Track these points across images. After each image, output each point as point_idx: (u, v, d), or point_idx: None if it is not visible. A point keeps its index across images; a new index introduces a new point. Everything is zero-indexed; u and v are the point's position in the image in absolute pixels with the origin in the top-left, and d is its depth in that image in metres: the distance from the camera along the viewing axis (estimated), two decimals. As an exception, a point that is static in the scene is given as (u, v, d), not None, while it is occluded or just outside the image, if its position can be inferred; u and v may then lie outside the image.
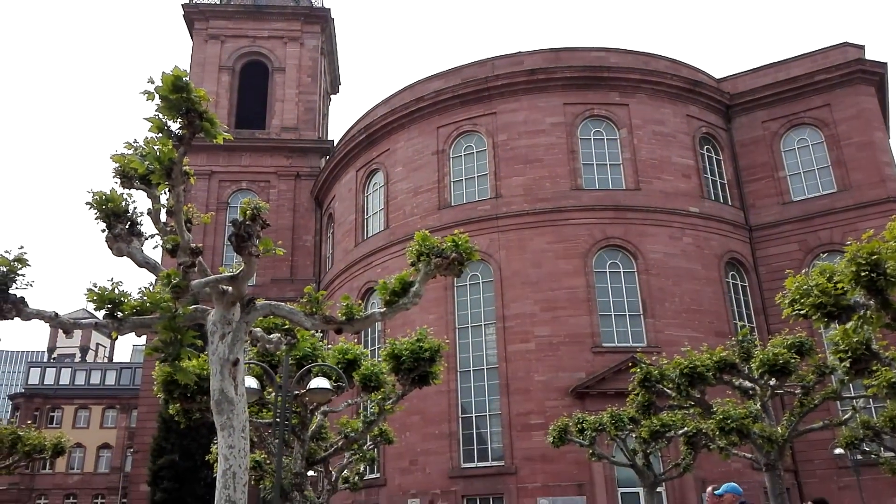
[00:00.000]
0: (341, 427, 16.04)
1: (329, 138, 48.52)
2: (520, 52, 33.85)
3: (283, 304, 7.71)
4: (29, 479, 54.62)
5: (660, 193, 31.02)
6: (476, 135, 33.10)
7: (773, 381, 16.29)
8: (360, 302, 10.86)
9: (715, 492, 8.40)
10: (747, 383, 16.99)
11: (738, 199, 33.34)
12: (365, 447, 19.69)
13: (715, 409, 16.55)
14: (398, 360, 13.84)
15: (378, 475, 29.70)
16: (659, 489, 23.15)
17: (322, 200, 43.53)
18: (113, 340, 71.15)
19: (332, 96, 56.64)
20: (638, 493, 24.48)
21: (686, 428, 18.67)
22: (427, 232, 8.36)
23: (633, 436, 19.90)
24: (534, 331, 28.70)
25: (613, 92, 32.48)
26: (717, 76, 35.41)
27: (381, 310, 8.12)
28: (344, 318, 7.99)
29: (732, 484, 8.31)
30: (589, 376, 27.45)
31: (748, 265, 31.92)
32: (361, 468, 22.68)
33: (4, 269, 6.62)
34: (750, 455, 17.77)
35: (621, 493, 26.21)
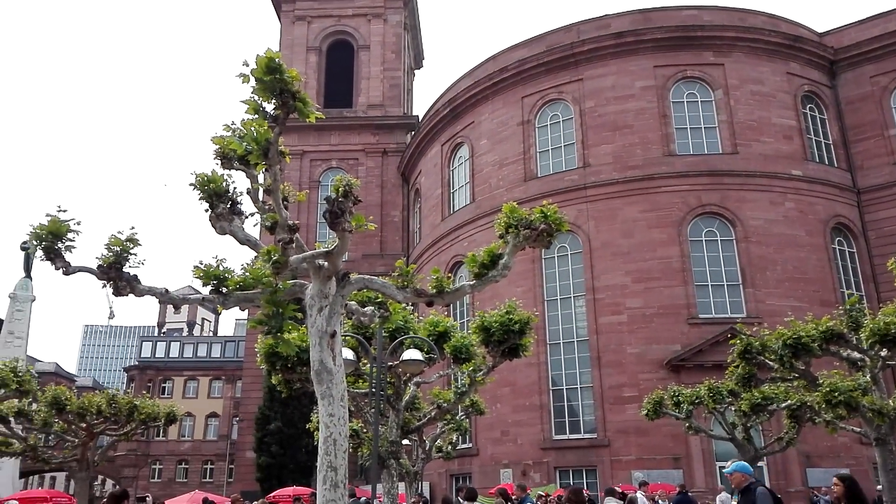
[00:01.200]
0: (434, 397, 16.35)
1: (414, 114, 48.82)
2: (606, 14, 32.81)
3: (375, 277, 7.87)
4: (145, 446, 58.62)
5: (759, 157, 29.57)
6: (562, 103, 32.48)
7: (884, 352, 15.34)
8: (449, 275, 10.97)
9: (724, 470, 8.23)
10: (856, 354, 16.09)
11: (844, 161, 31.35)
12: (457, 417, 20.03)
13: (821, 381, 15.78)
14: (488, 333, 13.91)
15: (470, 445, 30.15)
16: (760, 464, 22.41)
17: (408, 176, 44.00)
18: (217, 315, 74.81)
19: (415, 71, 56.86)
20: (737, 467, 23.80)
21: (789, 401, 17.92)
22: (515, 203, 8.31)
23: (733, 409, 19.30)
24: (625, 302, 28.18)
25: (707, 51, 31.02)
26: (820, 30, 33.22)
27: (471, 282, 8.14)
28: (434, 291, 8.07)
29: (742, 462, 8.02)
30: (684, 348, 26.75)
31: (856, 230, 30.08)
32: (454, 438, 23.10)
33: (118, 249, 7.05)
34: (858, 429, 16.87)
35: (719, 466, 25.56)
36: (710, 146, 30.15)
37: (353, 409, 13.69)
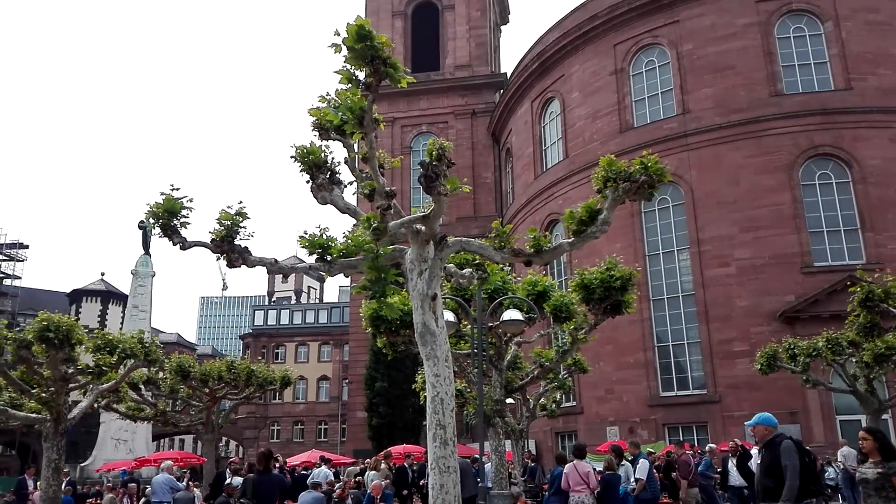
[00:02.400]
0: (535, 357, 16.38)
1: (502, 72, 48.13)
2: (702, -50, 30.90)
3: (472, 239, 7.88)
4: (263, 409, 62.11)
5: (876, 91, 27.31)
6: (657, 48, 31.09)
7: None
8: (546, 234, 10.82)
9: (746, 423, 7.70)
10: None
11: (975, 89, 28.47)
12: (560, 376, 20.00)
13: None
14: (588, 291, 13.71)
15: (575, 403, 30.11)
16: (884, 416, 21.17)
17: (499, 136, 43.61)
18: (322, 282, 77.36)
19: (501, 28, 55.84)
20: (859, 420, 22.58)
21: (917, 350, 16.76)
22: (613, 156, 8.07)
23: (854, 360, 18.27)
24: (733, 253, 27.03)
25: (815, -20, 28.76)
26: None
27: (570, 240, 8.01)
28: (532, 250, 7.99)
29: (766, 414, 7.41)
30: (799, 299, 25.46)
31: None
32: (558, 396, 23.12)
33: (229, 223, 7.38)
34: None
35: (840, 420, 24.37)
36: (821, 83, 28.12)
37: (456, 369, 13.91)
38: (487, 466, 14.62)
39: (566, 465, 11.67)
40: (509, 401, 17.08)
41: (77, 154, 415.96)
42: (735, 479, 14.31)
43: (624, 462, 13.23)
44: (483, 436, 12.09)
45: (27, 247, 60.71)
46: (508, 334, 14.15)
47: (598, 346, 23.00)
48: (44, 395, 14.55)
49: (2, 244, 58.16)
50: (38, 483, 15.70)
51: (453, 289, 12.80)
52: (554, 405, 22.75)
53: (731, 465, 14.56)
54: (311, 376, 63.91)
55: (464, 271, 8.90)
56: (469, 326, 13.64)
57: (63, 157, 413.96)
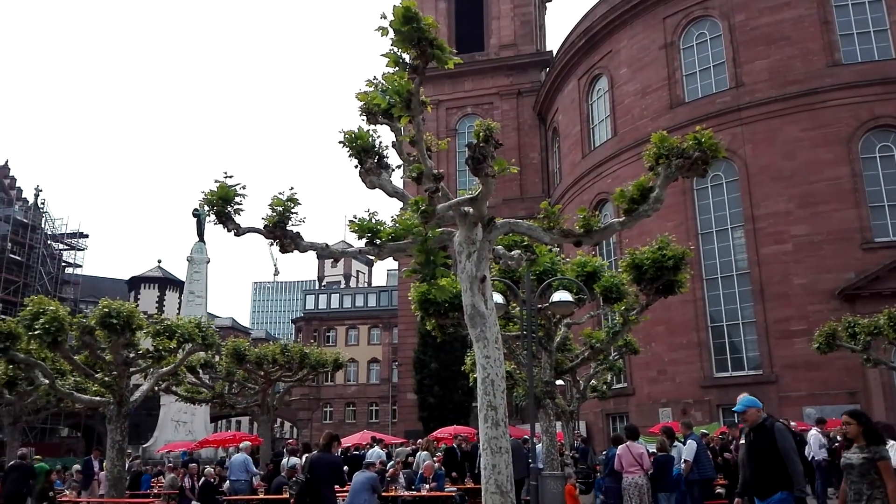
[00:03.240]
0: (585, 338, 16.23)
1: (547, 50, 47.43)
2: (754, -83, 29.77)
3: (521, 221, 7.82)
4: (316, 391, 63.29)
5: (942, 57, 26.01)
6: (708, 20, 30.17)
7: None
8: (596, 213, 10.66)
9: (734, 408, 7.23)
10: None
11: None
12: (610, 357, 19.82)
13: None
14: (640, 270, 13.49)
15: (626, 384, 29.81)
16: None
17: (545, 115, 43.10)
18: (371, 267, 78.25)
19: (546, 4, 54.94)
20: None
21: None
22: (665, 132, 7.88)
23: (918, 338, 17.62)
24: (790, 230, 26.24)
25: (875, -57, 27.43)
26: None
27: (620, 219, 7.88)
28: (582, 230, 7.89)
29: (751, 397, 7.09)
30: (859, 276, 24.59)
31: None
32: (609, 378, 22.97)
33: (280, 209, 7.48)
34: None
35: (903, 400, 23.58)
36: (882, 51, 26.90)
37: (505, 351, 13.91)
38: (538, 447, 14.61)
39: (619, 447, 11.59)
40: (559, 382, 17.01)
41: (134, 145, 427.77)
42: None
43: (676, 443, 13.06)
44: (534, 417, 12.06)
45: (87, 236, 62.94)
46: (558, 316, 14.05)
47: (649, 326, 22.68)
48: (107, 378, 15.11)
49: (63, 234, 60.32)
50: (104, 463, 16.34)
51: (501, 271, 12.76)
52: (605, 387, 22.61)
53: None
54: (362, 359, 64.79)
55: (512, 253, 8.86)
56: (518, 308, 13.60)
57: (120, 149, 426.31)
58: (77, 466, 19.14)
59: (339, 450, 10.87)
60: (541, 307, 13.16)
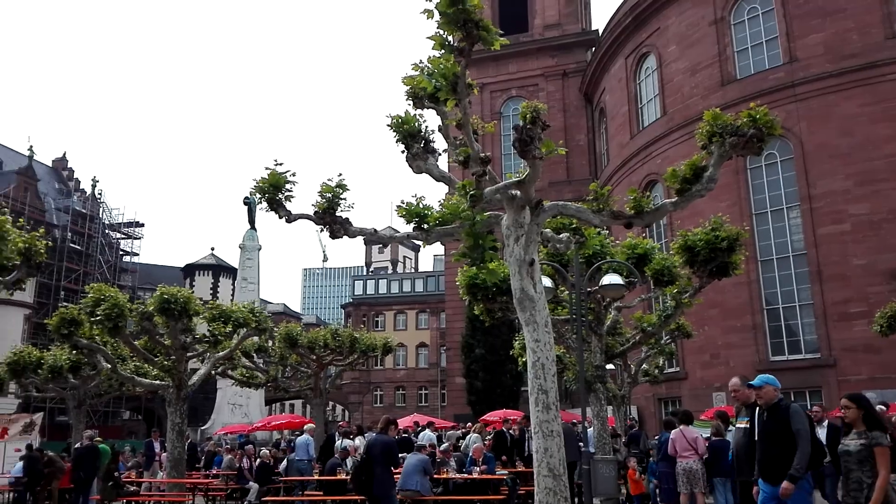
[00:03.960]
0: (636, 322, 16.03)
1: (593, 29, 46.61)
2: None
3: (569, 203, 7.75)
4: (366, 375, 64.13)
5: None
6: (760, -6, 29.18)
7: None
8: (647, 194, 10.46)
9: (751, 382, 6.87)
10: None
11: None
12: (662, 341, 19.53)
13: None
14: (692, 252, 13.23)
15: (678, 369, 29.36)
16: None
17: (591, 96, 42.42)
18: (417, 252, 78.59)
19: (592, -16, 53.98)
20: None
21: None
22: (717, 109, 7.68)
23: None
24: (848, 209, 25.32)
25: None
26: None
27: (673, 200, 7.73)
28: (633, 211, 7.77)
29: (771, 376, 6.75)
30: (922, 255, 23.63)
31: None
32: (660, 362, 22.63)
33: (330, 195, 7.58)
34: None
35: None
36: (946, 21, 25.60)
37: (554, 335, 13.84)
38: (590, 431, 14.53)
39: (673, 431, 11.44)
40: (610, 367, 16.85)
41: (186, 135, 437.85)
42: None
43: (731, 428, 12.79)
44: (584, 401, 11.99)
45: (143, 225, 64.80)
46: (608, 299, 13.91)
47: (702, 309, 22.23)
48: (166, 363, 15.60)
49: (120, 223, 62.23)
50: (165, 444, 16.90)
51: (550, 254, 12.68)
52: (656, 371, 22.31)
53: (820, 432, 11.62)
54: (410, 343, 65.32)
55: (561, 236, 8.79)
56: (567, 292, 13.50)
57: (174, 139, 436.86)
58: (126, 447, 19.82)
59: (396, 433, 10.98)
60: (590, 290, 13.03)
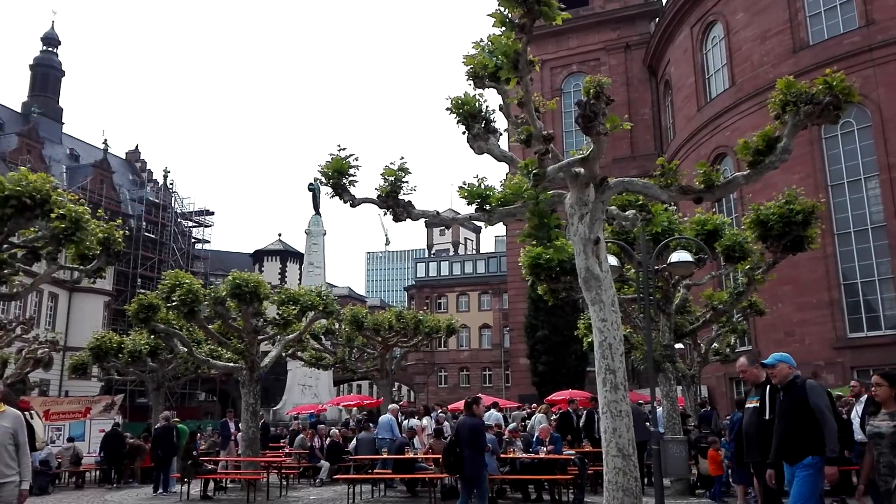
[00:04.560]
0: (706, 300, 15.62)
1: (656, -1, 45.27)
2: None
3: (636, 179, 7.58)
4: (430, 356, 64.79)
5: None
6: (834, -46, 27.69)
7: None
8: (716, 167, 10.09)
9: (764, 361, 6.46)
10: None
11: None
12: (734, 319, 19.01)
13: None
14: (765, 227, 12.77)
15: (750, 347, 28.51)
16: None
17: (656, 68, 41.26)
18: (478, 234, 78.57)
19: (653, -48, 52.28)
20: None
21: None
22: (791, 77, 7.35)
23: None
24: (931, 178, 23.96)
25: None
26: None
27: (745, 173, 7.46)
28: (702, 186, 7.54)
29: (785, 354, 6.32)
30: None
31: None
32: (732, 340, 22.04)
33: (392, 179, 7.63)
34: None
35: None
36: None
37: (621, 314, 13.64)
38: (659, 412, 14.30)
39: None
40: (679, 346, 16.51)
41: (251, 125, 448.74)
42: (859, 431, 10.02)
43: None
44: (653, 381, 11.79)
45: (213, 213, 66.98)
46: (676, 277, 13.60)
47: (775, 286, 21.50)
48: (239, 345, 16.12)
49: (191, 212, 64.38)
50: (239, 424, 17.50)
51: (615, 232, 12.46)
52: (728, 349, 21.74)
53: (855, 413, 10.56)
54: (473, 325, 65.59)
55: (626, 213, 8.62)
56: (633, 270, 13.26)
57: (239, 129, 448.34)
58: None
59: (482, 410, 11.01)
60: (658, 268, 12.76)
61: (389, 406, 18.61)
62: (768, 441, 6.35)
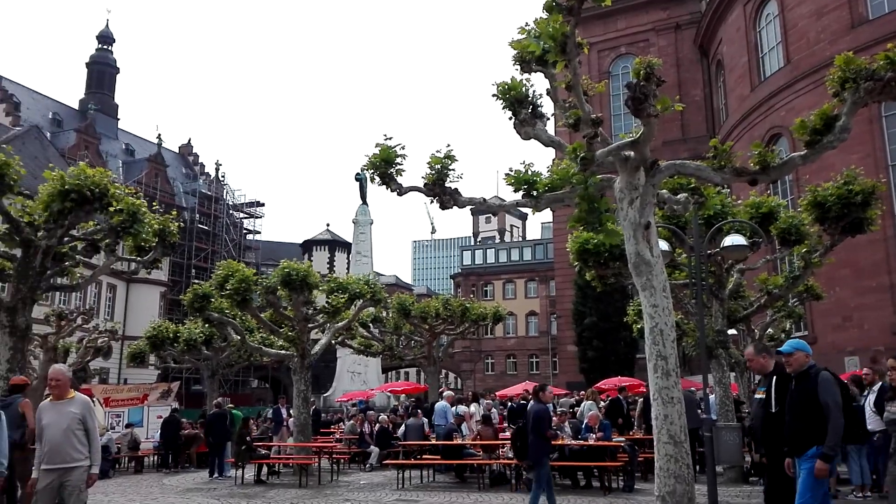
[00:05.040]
0: (761, 284, 15.24)
1: (706, -23, 44.05)
2: None
3: (688, 161, 7.41)
4: (477, 343, 64.86)
5: None
6: (896, -79, 26.45)
7: None
8: (772, 148, 9.78)
9: (780, 349, 6.09)
10: None
11: None
12: (789, 304, 18.51)
13: None
14: (823, 209, 12.36)
15: (806, 333, 27.75)
16: None
17: (707, 48, 40.22)
18: (524, 221, 78.27)
19: (702, -71, 50.83)
20: None
21: None
22: (850, 53, 7.07)
23: None
24: None
25: None
26: None
27: (802, 153, 7.22)
28: (757, 167, 7.32)
29: (801, 342, 6.04)
30: None
31: None
32: (787, 326, 21.48)
33: (439, 167, 7.63)
34: None
35: None
36: None
37: (672, 300, 13.40)
38: (711, 398, 14.04)
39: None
40: (732, 332, 16.16)
41: (298, 118, 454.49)
42: (871, 420, 9.62)
43: (866, 393, 11.97)
44: (706, 368, 11.56)
45: (263, 204, 68.14)
46: (730, 262, 13.29)
47: (832, 269, 20.83)
48: (290, 333, 16.41)
49: (242, 203, 65.65)
50: (291, 411, 17.84)
51: (666, 216, 12.23)
52: (783, 335, 21.18)
53: (868, 403, 10.01)
54: (520, 312, 65.36)
55: (678, 196, 8.45)
56: (685, 255, 13.00)
57: (287, 121, 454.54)
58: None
59: (550, 397, 11.01)
60: (710, 253, 12.48)
61: (444, 393, 18.77)
62: (774, 434, 6.19)
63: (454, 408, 17.33)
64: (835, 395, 5.69)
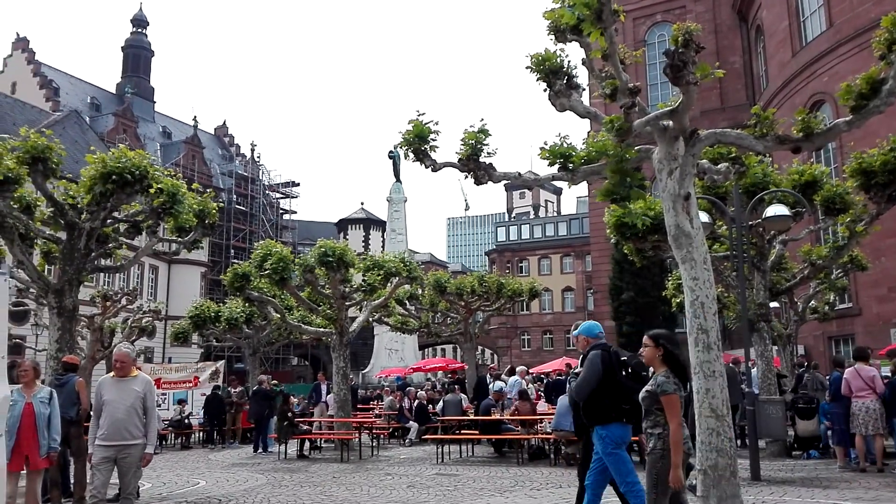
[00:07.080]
0: (804, 255, 14.90)
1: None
2: None
3: (729, 130, 7.22)
4: (513, 320, 64.85)
5: None
6: None
7: None
8: (816, 114, 9.46)
9: (572, 332, 6.65)
10: None
11: None
12: (834, 275, 18.09)
13: None
14: (868, 176, 11.97)
15: (851, 304, 27.11)
16: None
17: (746, 13, 39.07)
18: (559, 195, 77.47)
19: None
20: None
21: None
22: (897, 13, 6.79)
23: None
24: None
25: None
26: None
27: (847, 119, 6.98)
28: (801, 134, 7.11)
29: (590, 323, 6.71)
30: None
31: None
32: (831, 297, 21.03)
33: (473, 142, 7.57)
34: None
35: None
36: None
37: (713, 273, 13.18)
38: (753, 372, 13.86)
39: (847, 370, 10.64)
40: (774, 304, 15.87)
41: (332, 97, 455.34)
42: None
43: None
44: (747, 342, 11.40)
45: (299, 184, 68.74)
46: (772, 232, 13.00)
47: (878, 239, 20.29)
48: (328, 311, 16.61)
49: (278, 184, 66.31)
50: (331, 387, 18.11)
51: (706, 187, 12.00)
52: (826, 307, 20.75)
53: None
54: (556, 287, 65.07)
55: (718, 166, 8.25)
56: (725, 227, 12.76)
57: (321, 102, 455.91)
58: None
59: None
60: (752, 224, 12.22)
61: (518, 368, 19.08)
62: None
63: (493, 383, 17.41)
64: (590, 371, 6.21)
